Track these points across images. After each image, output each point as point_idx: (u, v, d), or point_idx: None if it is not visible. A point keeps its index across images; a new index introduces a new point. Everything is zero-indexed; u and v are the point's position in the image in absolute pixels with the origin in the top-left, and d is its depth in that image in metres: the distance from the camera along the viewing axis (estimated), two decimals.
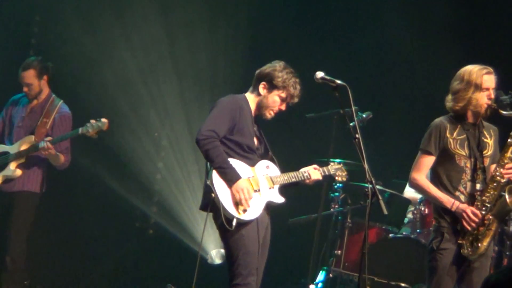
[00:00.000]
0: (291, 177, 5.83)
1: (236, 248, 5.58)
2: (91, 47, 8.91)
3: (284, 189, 5.86)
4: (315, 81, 5.35)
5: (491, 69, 5.59)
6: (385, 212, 5.04)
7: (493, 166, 5.56)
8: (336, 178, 6.10)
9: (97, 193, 8.89)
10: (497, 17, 8.91)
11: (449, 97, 5.62)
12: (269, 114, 5.82)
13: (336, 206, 8.08)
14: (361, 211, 7.89)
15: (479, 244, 5.45)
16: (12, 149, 7.27)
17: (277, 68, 5.77)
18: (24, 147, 7.23)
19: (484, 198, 5.49)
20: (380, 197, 5.05)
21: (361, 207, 7.83)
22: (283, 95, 5.76)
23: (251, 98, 5.83)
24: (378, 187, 5.23)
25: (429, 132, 5.61)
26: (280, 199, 5.80)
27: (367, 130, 5.96)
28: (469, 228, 5.44)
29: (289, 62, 5.94)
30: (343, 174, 6.09)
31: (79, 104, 8.33)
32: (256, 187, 5.67)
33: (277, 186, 5.78)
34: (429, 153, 5.58)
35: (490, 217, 5.47)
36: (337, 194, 8.07)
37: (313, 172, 5.89)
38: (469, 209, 5.44)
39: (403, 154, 7.49)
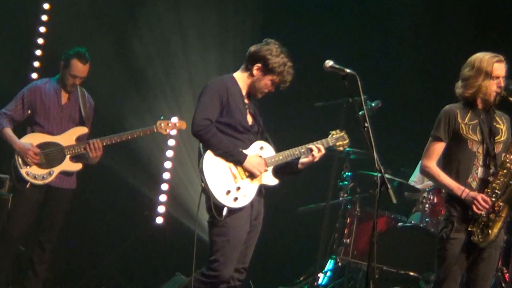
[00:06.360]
0: (286, 156, 5.74)
1: (219, 234, 5.58)
2: (100, 54, 8.85)
3: (284, 176, 5.78)
4: (324, 70, 5.33)
5: (502, 58, 5.55)
6: (394, 201, 5.03)
7: None
8: (337, 149, 5.90)
9: (104, 182, 8.86)
10: (510, 5, 8.88)
11: (459, 83, 5.60)
12: (260, 95, 5.79)
13: (345, 195, 8.08)
14: (370, 200, 7.89)
15: (490, 231, 5.44)
16: (64, 140, 6.84)
17: (274, 51, 5.67)
18: (75, 139, 6.84)
19: (494, 185, 5.48)
20: (389, 186, 5.03)
21: (370, 196, 7.84)
22: (277, 80, 5.71)
23: (242, 77, 5.76)
24: (387, 175, 5.22)
25: (439, 119, 5.59)
26: (273, 181, 5.74)
27: (376, 119, 5.92)
28: (480, 213, 5.42)
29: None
30: (345, 142, 5.88)
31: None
32: (248, 173, 5.64)
33: (271, 168, 5.72)
34: (439, 140, 5.56)
35: (501, 203, 5.45)
36: (346, 183, 8.08)
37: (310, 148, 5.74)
38: (479, 196, 5.43)
39: (412, 143, 7.47)
